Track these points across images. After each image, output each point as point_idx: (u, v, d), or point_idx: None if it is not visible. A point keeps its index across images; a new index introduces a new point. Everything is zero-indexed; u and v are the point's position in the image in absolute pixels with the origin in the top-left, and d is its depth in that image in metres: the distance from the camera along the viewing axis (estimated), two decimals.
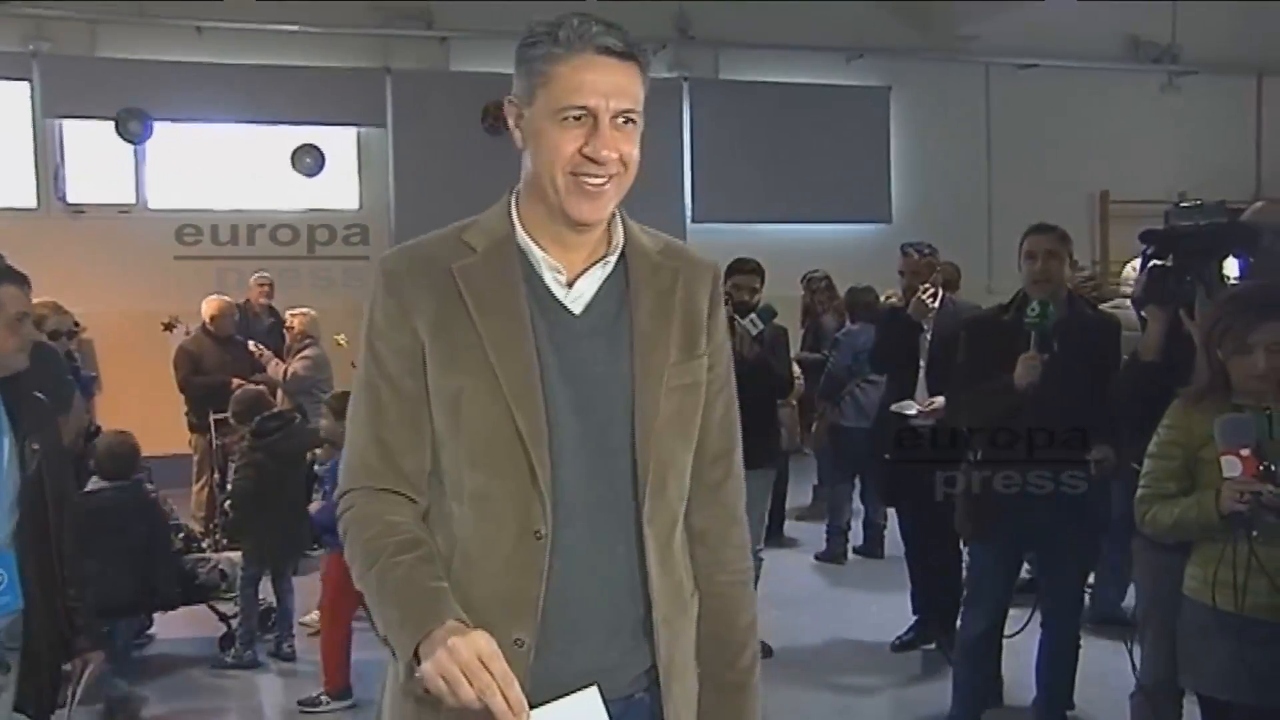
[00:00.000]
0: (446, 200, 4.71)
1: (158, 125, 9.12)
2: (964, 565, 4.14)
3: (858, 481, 6.87)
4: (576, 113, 1.53)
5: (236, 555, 5.27)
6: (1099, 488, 3.68)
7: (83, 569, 2.81)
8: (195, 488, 6.99)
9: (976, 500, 3.84)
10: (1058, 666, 3.90)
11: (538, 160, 1.57)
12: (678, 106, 10.77)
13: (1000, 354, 3.65)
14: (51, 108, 9.27)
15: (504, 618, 1.50)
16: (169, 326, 7.60)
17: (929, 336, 4.94)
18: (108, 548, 4.45)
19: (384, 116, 9.77)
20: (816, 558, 6.88)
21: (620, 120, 1.56)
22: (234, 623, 5.19)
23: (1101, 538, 3.90)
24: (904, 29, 11.26)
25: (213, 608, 5.27)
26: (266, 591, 5.24)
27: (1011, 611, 3.98)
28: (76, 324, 5.33)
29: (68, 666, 2.71)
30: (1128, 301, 4.56)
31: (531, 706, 1.39)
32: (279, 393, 6.86)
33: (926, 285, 4.95)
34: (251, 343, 7.30)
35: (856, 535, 6.92)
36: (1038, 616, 3.96)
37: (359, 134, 10.01)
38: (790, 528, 7.43)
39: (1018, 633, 3.94)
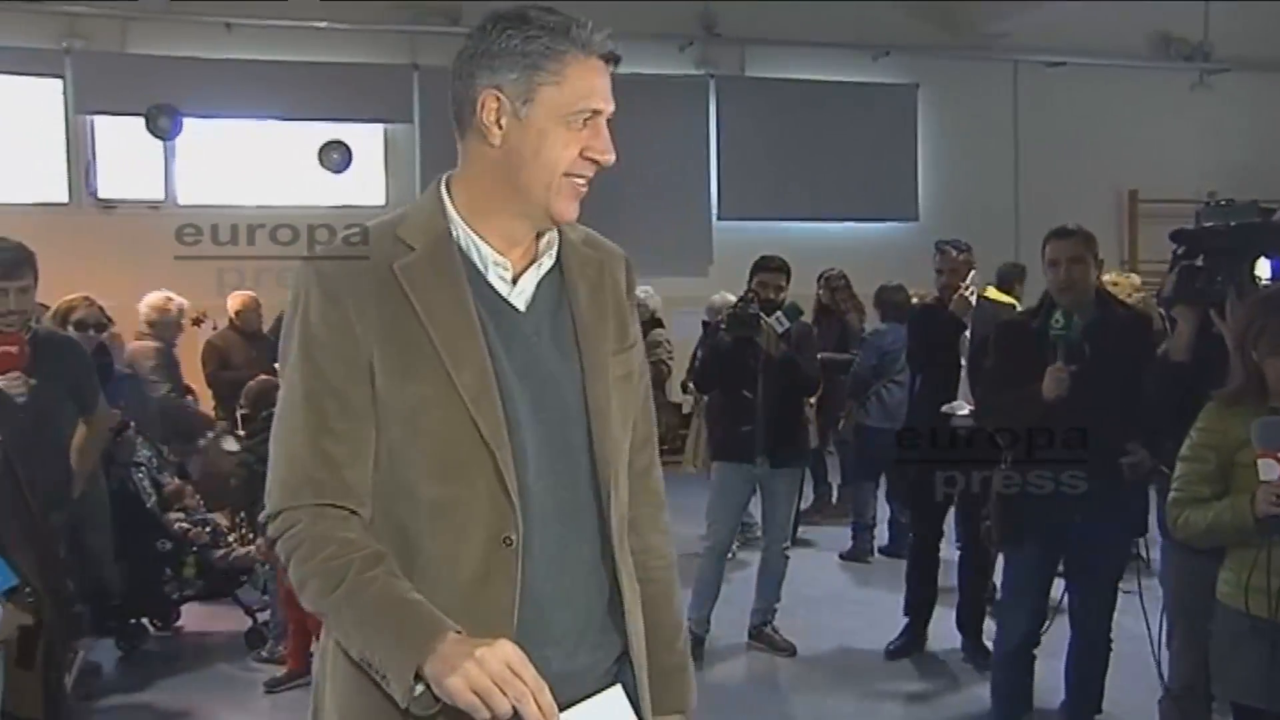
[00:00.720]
0: None
1: (187, 121, 9.18)
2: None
3: (882, 480, 6.83)
4: (588, 115, 1.53)
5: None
6: (1134, 490, 3.62)
7: (69, 561, 2.77)
8: None
9: (1009, 507, 3.76)
10: (1087, 669, 3.84)
11: (535, 160, 1.52)
12: (704, 104, 10.76)
13: (1028, 361, 3.57)
14: (83, 104, 9.35)
15: (476, 630, 1.41)
16: (197, 321, 7.65)
17: (968, 335, 4.91)
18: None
19: (411, 113, 9.78)
20: (841, 556, 6.86)
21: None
22: (260, 616, 5.22)
23: (1134, 541, 3.83)
24: (931, 27, 11.19)
25: (238, 600, 5.31)
26: None
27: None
28: (109, 318, 5.35)
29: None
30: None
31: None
32: None
33: (966, 283, 4.92)
34: None
35: (879, 535, 6.89)
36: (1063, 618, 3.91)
37: (386, 130, 10.04)
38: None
39: (1042, 631, 3.89)
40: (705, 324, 6.88)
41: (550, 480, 1.55)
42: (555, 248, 1.62)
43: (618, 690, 1.47)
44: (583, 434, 1.58)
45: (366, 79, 9.61)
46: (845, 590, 6.29)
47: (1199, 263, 3.28)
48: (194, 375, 7.05)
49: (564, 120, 1.52)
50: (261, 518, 1.57)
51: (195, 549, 5.20)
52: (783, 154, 10.63)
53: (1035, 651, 3.89)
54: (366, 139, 9.92)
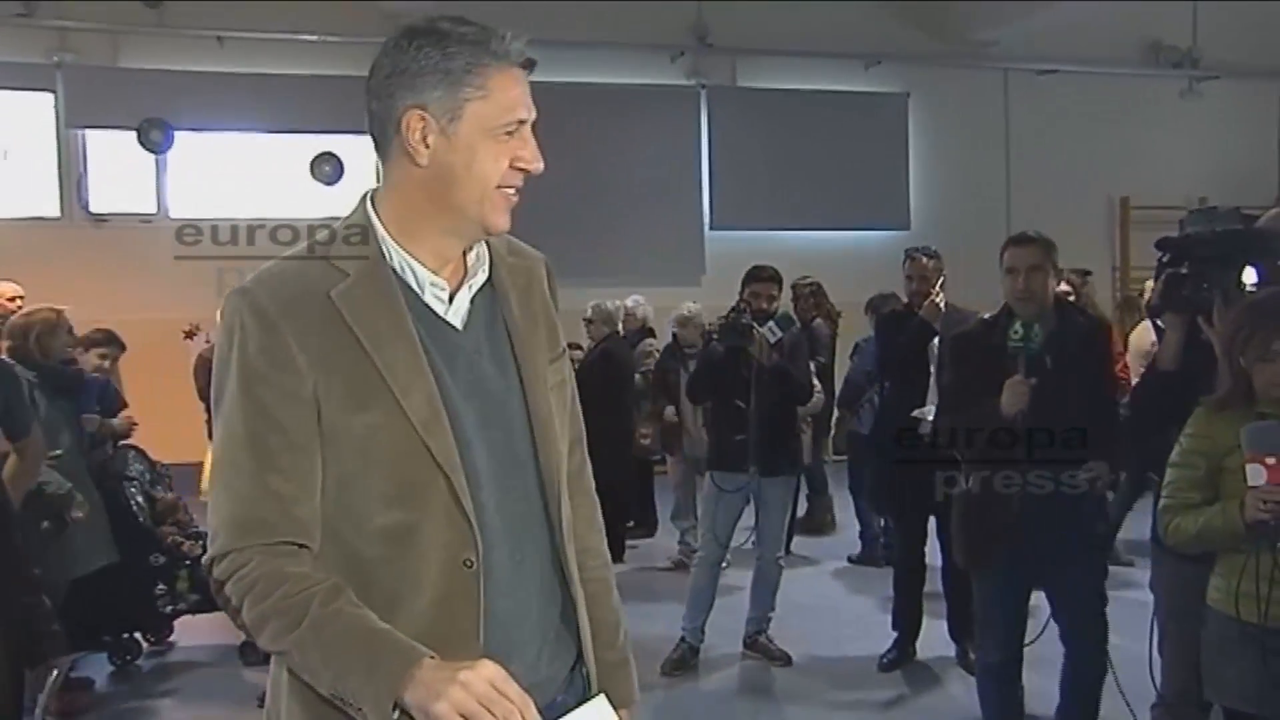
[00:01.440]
0: None
1: (179, 135, 9.19)
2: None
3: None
4: (514, 127, 1.52)
5: None
6: (1097, 502, 3.58)
7: (40, 577, 2.71)
8: None
9: (970, 525, 3.69)
10: (1081, 686, 3.73)
11: (467, 176, 1.50)
12: (696, 114, 10.80)
13: (986, 373, 3.46)
14: (75, 118, 9.36)
15: (441, 655, 1.39)
16: (189, 334, 7.64)
17: (937, 342, 4.93)
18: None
19: None
20: (850, 560, 6.91)
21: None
22: None
23: (1104, 550, 3.78)
24: (922, 35, 11.24)
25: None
26: None
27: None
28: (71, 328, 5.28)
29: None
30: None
31: None
32: None
33: (936, 289, 4.94)
34: None
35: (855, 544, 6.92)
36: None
37: None
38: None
39: (1030, 642, 3.83)
40: (675, 335, 6.92)
41: (501, 496, 1.55)
42: (487, 262, 1.61)
43: (602, 700, 1.47)
44: (528, 446, 1.58)
45: (358, 91, 9.13)
46: (840, 599, 6.29)
47: (1184, 270, 3.28)
48: (186, 388, 7.05)
49: (492, 134, 1.50)
50: (205, 560, 1.51)
51: (188, 563, 5.18)
52: (774, 163, 10.67)
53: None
54: (358, 151, 9.85)
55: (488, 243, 1.62)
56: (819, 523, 7.62)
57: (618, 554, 7.03)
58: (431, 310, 1.54)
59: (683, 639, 5.09)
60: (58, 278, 8.04)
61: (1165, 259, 3.33)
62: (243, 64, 9.45)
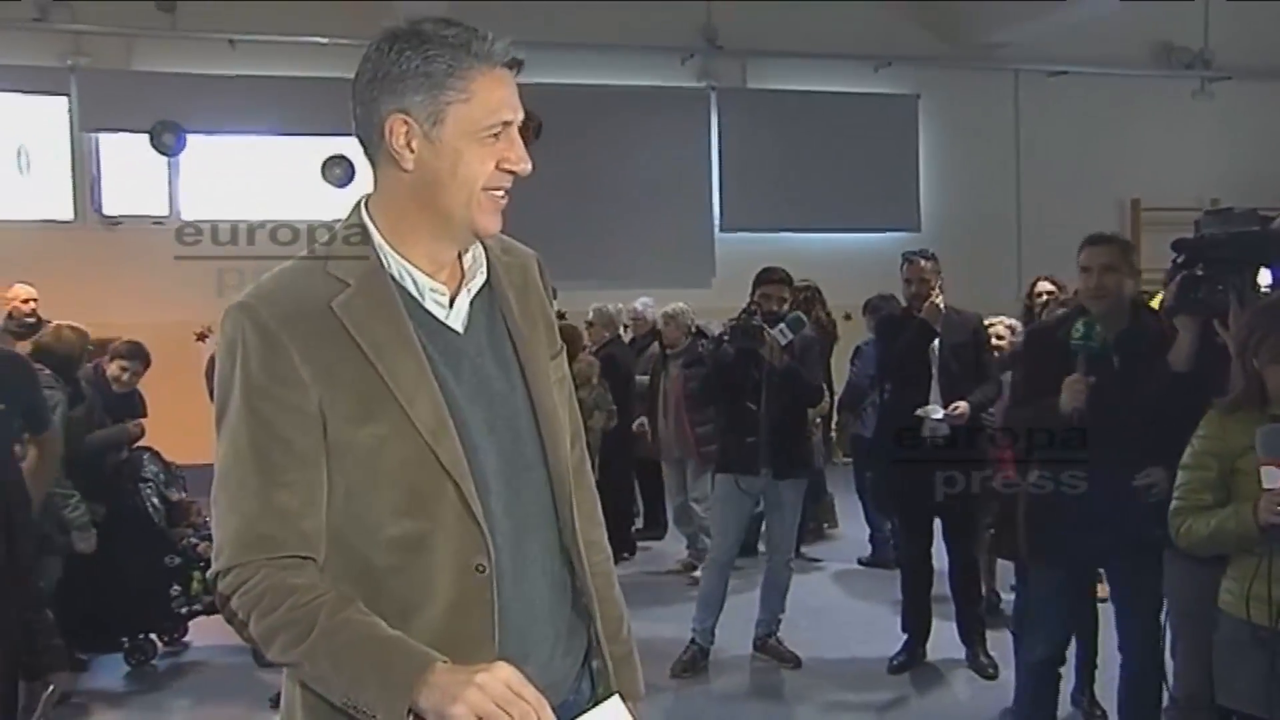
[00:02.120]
0: None
1: (191, 138, 9.23)
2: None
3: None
4: (499, 129, 1.50)
5: None
6: (1155, 505, 3.58)
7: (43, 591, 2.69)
8: None
9: (1034, 521, 3.72)
10: (1141, 700, 3.66)
11: (452, 180, 1.49)
12: (706, 116, 10.80)
13: (1053, 370, 3.50)
14: (88, 121, 9.41)
15: (457, 661, 1.38)
16: (201, 336, 7.67)
17: (938, 343, 4.93)
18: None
19: None
20: (860, 562, 6.92)
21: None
22: None
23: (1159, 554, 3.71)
24: (932, 37, 11.23)
25: None
26: None
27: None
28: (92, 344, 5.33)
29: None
30: None
31: None
32: None
33: (936, 291, 4.94)
34: None
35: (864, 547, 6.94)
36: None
37: None
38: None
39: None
40: (658, 331, 6.95)
41: (510, 498, 1.54)
42: (484, 264, 1.61)
43: (616, 700, 1.48)
44: (535, 447, 1.58)
45: None
46: (850, 601, 6.29)
47: (1199, 272, 3.28)
48: (199, 390, 7.07)
49: (476, 138, 1.49)
50: (210, 574, 1.50)
51: (203, 564, 5.20)
52: (784, 165, 10.67)
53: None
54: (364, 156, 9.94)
55: (483, 244, 1.61)
56: (816, 527, 7.59)
57: (629, 552, 7.05)
58: (432, 316, 1.54)
59: (693, 641, 5.09)
60: (71, 280, 8.10)
61: (1180, 260, 3.33)
62: (254, 67, 9.49)
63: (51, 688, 2.55)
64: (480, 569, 1.49)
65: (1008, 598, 5.40)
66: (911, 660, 5.09)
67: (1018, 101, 11.59)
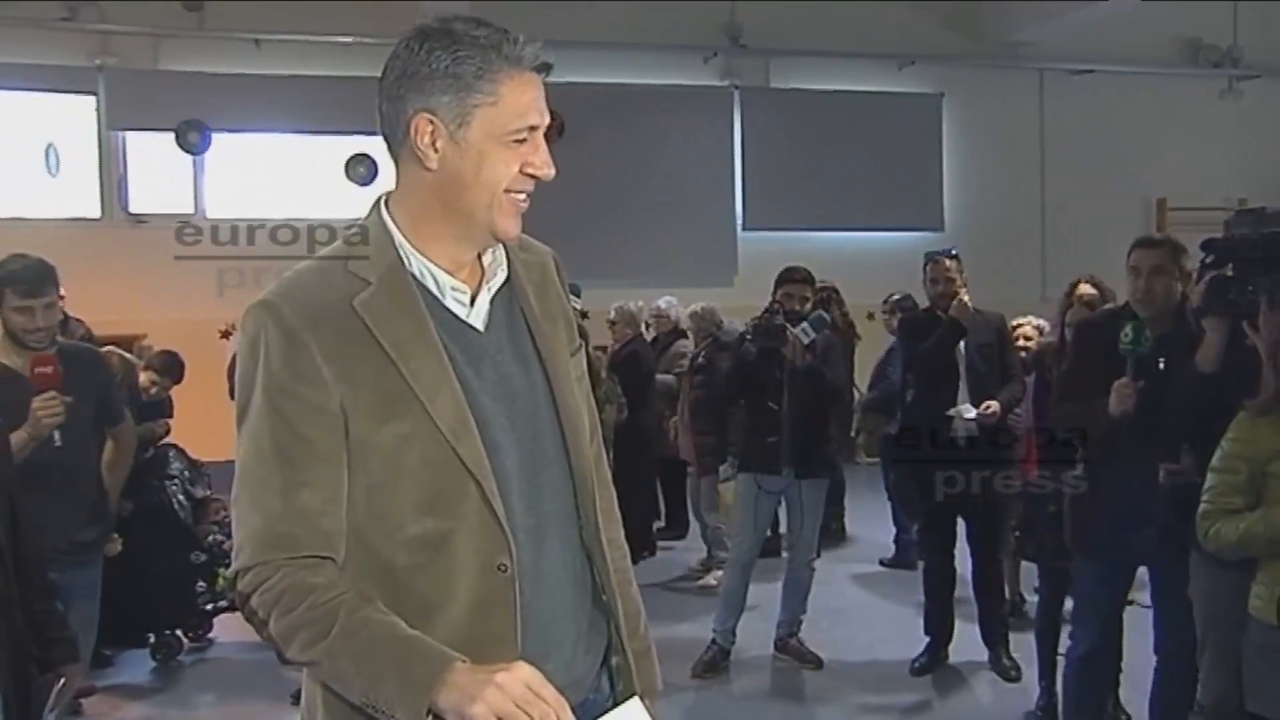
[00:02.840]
0: None
1: (216, 136, 9.29)
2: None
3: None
4: (525, 133, 1.49)
5: None
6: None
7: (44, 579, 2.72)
8: None
9: (1081, 514, 3.73)
10: (1172, 704, 3.65)
11: (475, 181, 1.48)
12: (729, 114, 10.79)
13: (1102, 366, 3.49)
14: (115, 120, 9.49)
15: (479, 660, 1.38)
16: (226, 334, 7.72)
17: (963, 343, 4.91)
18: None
19: None
20: (882, 563, 6.90)
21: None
22: None
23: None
24: (956, 35, 11.18)
25: None
26: None
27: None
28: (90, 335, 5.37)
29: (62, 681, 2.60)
30: None
31: None
32: None
33: (962, 289, 4.92)
34: None
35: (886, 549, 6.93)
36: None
37: None
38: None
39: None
40: (681, 330, 6.95)
41: (532, 496, 1.54)
42: (505, 262, 1.60)
43: (635, 703, 1.48)
44: (557, 444, 1.58)
45: None
46: (871, 601, 6.27)
47: (1229, 272, 3.25)
48: (224, 387, 7.13)
49: (502, 140, 1.48)
50: (229, 573, 1.50)
51: (228, 560, 5.23)
52: (807, 164, 10.64)
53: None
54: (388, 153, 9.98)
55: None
56: (839, 528, 7.57)
57: (649, 551, 7.05)
58: (453, 314, 1.53)
59: (714, 641, 5.08)
60: (98, 278, 8.17)
61: (1209, 260, 3.30)
62: (279, 66, 9.55)
63: (63, 680, 2.56)
64: (502, 568, 1.49)
65: (1031, 600, 5.37)
66: (934, 662, 5.06)
67: (1042, 100, 11.52)
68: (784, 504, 5.12)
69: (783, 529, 5.53)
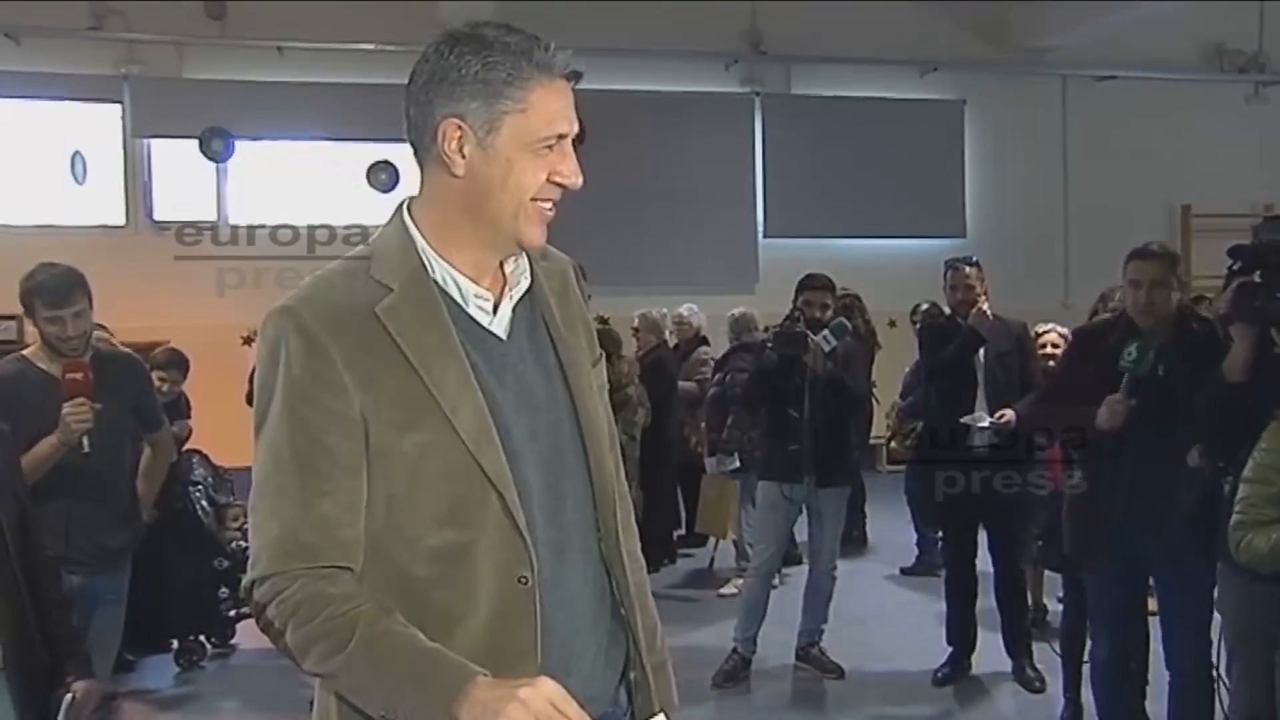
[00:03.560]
0: None
1: (239, 144, 9.36)
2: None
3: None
4: (553, 141, 1.48)
5: None
6: (1211, 508, 3.54)
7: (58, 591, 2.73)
8: None
9: (1077, 524, 3.73)
10: (1189, 713, 3.63)
11: (502, 189, 1.46)
12: (750, 121, 10.78)
13: (1098, 376, 3.52)
14: (140, 128, 9.56)
15: (500, 674, 1.36)
16: (248, 341, 7.78)
17: (983, 351, 4.88)
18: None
19: None
20: (903, 571, 6.88)
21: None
22: None
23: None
24: (978, 42, 11.13)
25: None
26: None
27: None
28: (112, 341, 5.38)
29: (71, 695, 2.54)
30: None
31: None
32: None
33: (983, 298, 4.89)
34: None
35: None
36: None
37: None
38: None
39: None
40: (703, 336, 6.93)
41: (553, 508, 1.52)
42: (528, 270, 1.58)
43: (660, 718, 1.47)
44: (578, 455, 1.56)
45: None
46: (893, 610, 6.22)
47: (1257, 279, 3.22)
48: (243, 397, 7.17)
49: (531, 148, 1.46)
50: (245, 583, 1.47)
51: None
52: (829, 171, 10.61)
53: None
54: (413, 159, 10.00)
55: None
56: (860, 535, 7.54)
57: (669, 558, 7.04)
58: (476, 322, 1.51)
59: (734, 650, 5.06)
60: (123, 285, 8.23)
61: (1236, 267, 3.27)
62: (302, 73, 9.61)
63: (71, 695, 2.56)
64: (523, 580, 1.46)
65: (1055, 609, 5.32)
66: (956, 673, 5.02)
67: (1066, 106, 11.45)
68: (805, 512, 5.10)
69: (801, 537, 5.51)
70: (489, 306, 1.53)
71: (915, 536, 7.00)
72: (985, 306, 4.86)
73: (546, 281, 1.61)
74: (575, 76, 1.50)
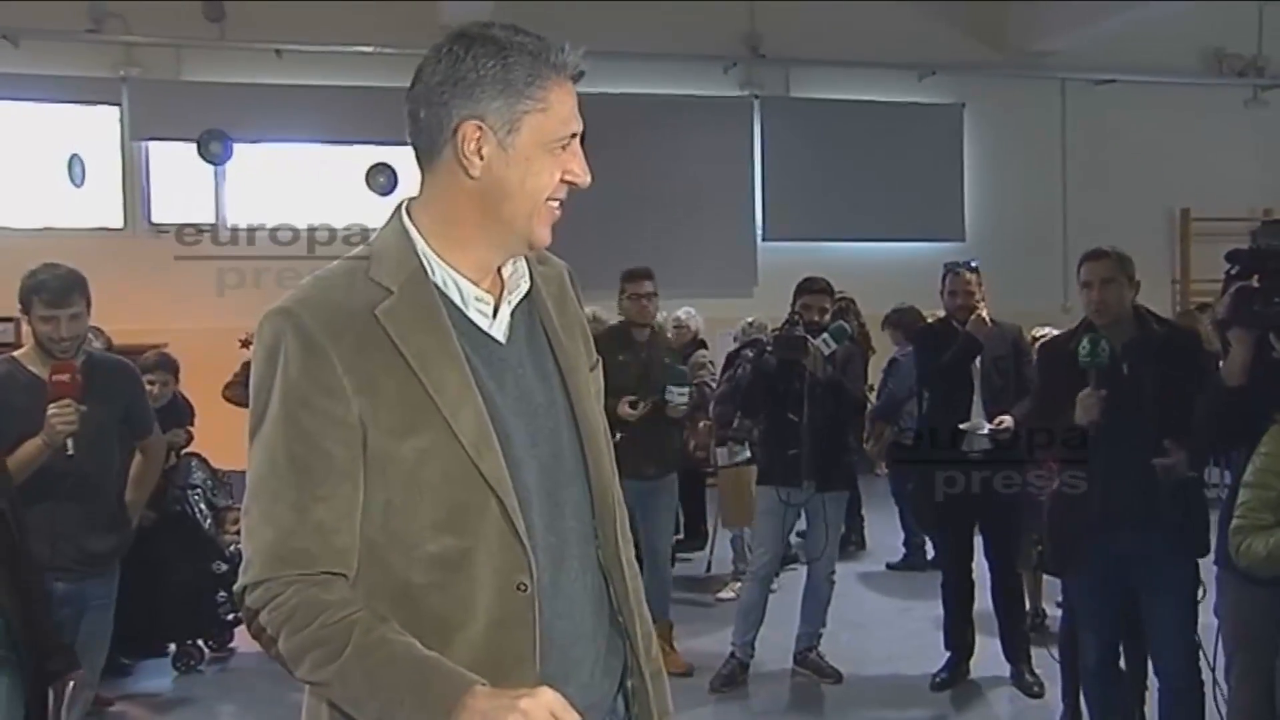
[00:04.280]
0: None
1: (237, 146, 9.35)
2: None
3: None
4: (567, 140, 1.48)
5: None
6: (1196, 514, 3.55)
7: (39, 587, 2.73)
8: None
9: (1057, 531, 3.75)
10: (1176, 715, 3.62)
11: (520, 189, 1.46)
12: (749, 125, 10.78)
13: (1067, 383, 3.60)
14: (139, 131, 9.56)
15: (498, 682, 1.35)
16: (246, 344, 7.75)
17: (980, 355, 4.88)
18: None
19: None
20: (889, 566, 6.91)
21: None
22: None
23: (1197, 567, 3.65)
24: (977, 45, 11.13)
25: None
26: None
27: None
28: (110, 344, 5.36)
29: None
30: None
31: None
32: None
33: (982, 303, 4.88)
34: None
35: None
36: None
37: None
38: None
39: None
40: (701, 340, 6.94)
41: (552, 514, 1.51)
42: (527, 274, 1.57)
43: None
44: (577, 461, 1.55)
45: None
46: (891, 615, 6.21)
47: (1255, 283, 3.22)
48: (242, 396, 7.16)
49: (548, 148, 1.47)
50: (237, 588, 1.45)
51: None
52: (827, 175, 10.61)
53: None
54: (413, 162, 9.94)
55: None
56: (859, 539, 7.53)
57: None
58: (475, 325, 1.50)
59: (732, 655, 5.05)
60: (120, 288, 8.22)
61: (1234, 271, 3.27)
62: (300, 76, 9.61)
63: (71, 684, 2.58)
64: (522, 588, 1.45)
65: (1054, 614, 5.32)
66: (954, 677, 5.01)
67: (1064, 110, 11.45)
68: (803, 517, 5.09)
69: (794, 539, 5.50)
70: (488, 310, 1.52)
71: (902, 535, 7.03)
72: (984, 312, 4.85)
73: (544, 286, 1.60)
74: (579, 75, 1.50)
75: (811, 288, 5.11)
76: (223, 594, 5.26)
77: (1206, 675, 3.35)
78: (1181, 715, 3.58)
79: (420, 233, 1.50)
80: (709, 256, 10.33)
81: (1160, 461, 3.44)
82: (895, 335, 7.13)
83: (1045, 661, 4.81)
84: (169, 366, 5.56)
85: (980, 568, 5.01)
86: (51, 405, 3.18)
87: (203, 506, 5.34)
